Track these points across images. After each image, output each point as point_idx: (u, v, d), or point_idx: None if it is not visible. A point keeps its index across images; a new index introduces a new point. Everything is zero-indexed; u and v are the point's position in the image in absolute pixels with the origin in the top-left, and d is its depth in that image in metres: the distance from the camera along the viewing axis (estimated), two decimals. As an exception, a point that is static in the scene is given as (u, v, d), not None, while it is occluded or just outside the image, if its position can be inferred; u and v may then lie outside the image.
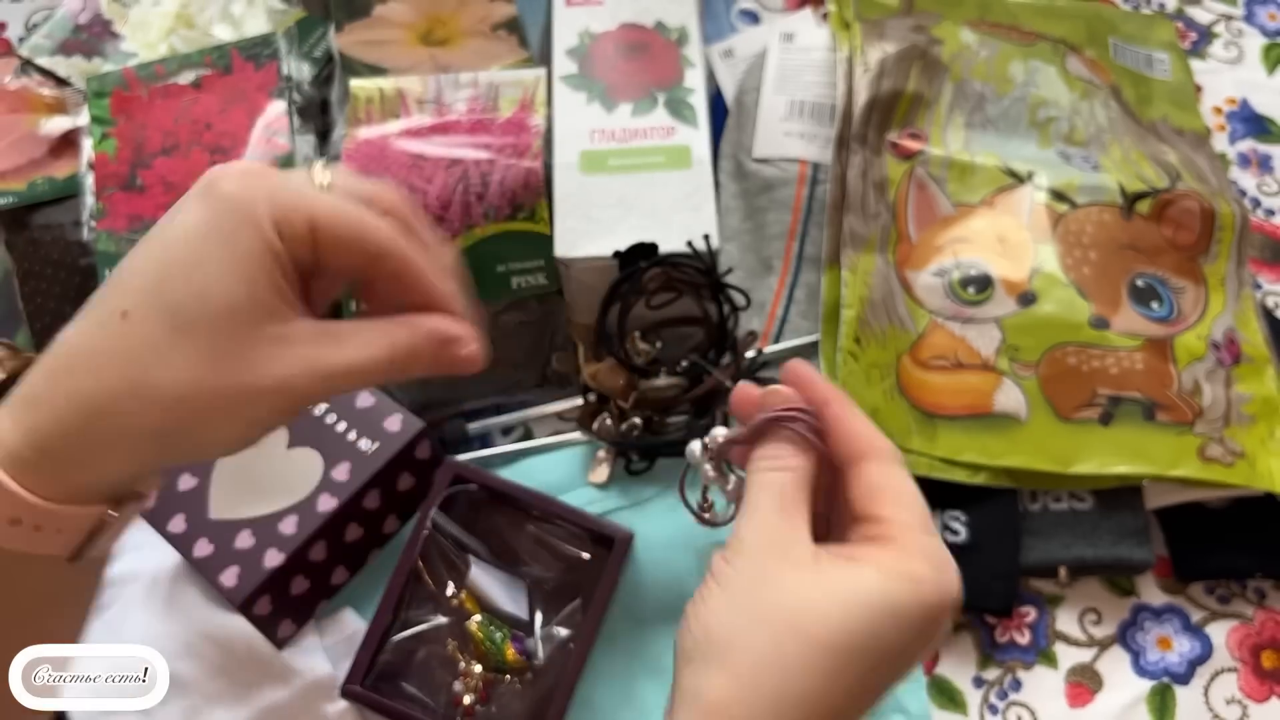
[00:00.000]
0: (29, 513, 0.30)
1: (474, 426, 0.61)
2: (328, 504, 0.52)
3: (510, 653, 0.51)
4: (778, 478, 0.34)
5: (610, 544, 0.52)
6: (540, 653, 0.52)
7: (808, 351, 0.61)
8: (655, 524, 0.55)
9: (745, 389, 0.37)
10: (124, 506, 0.32)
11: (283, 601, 0.52)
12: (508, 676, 0.52)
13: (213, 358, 0.30)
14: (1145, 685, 0.57)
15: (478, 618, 0.52)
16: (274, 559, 0.51)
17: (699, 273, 0.56)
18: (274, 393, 0.31)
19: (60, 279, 0.62)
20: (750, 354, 0.59)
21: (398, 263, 0.33)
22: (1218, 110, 0.75)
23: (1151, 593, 0.59)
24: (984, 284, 0.60)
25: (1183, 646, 0.58)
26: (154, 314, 0.30)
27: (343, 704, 0.53)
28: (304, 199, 0.31)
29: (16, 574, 0.31)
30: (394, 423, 0.54)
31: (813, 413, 0.35)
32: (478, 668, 0.52)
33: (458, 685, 0.52)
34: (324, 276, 0.34)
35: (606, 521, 0.53)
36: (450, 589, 0.52)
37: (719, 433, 0.37)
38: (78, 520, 0.31)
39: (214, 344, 0.30)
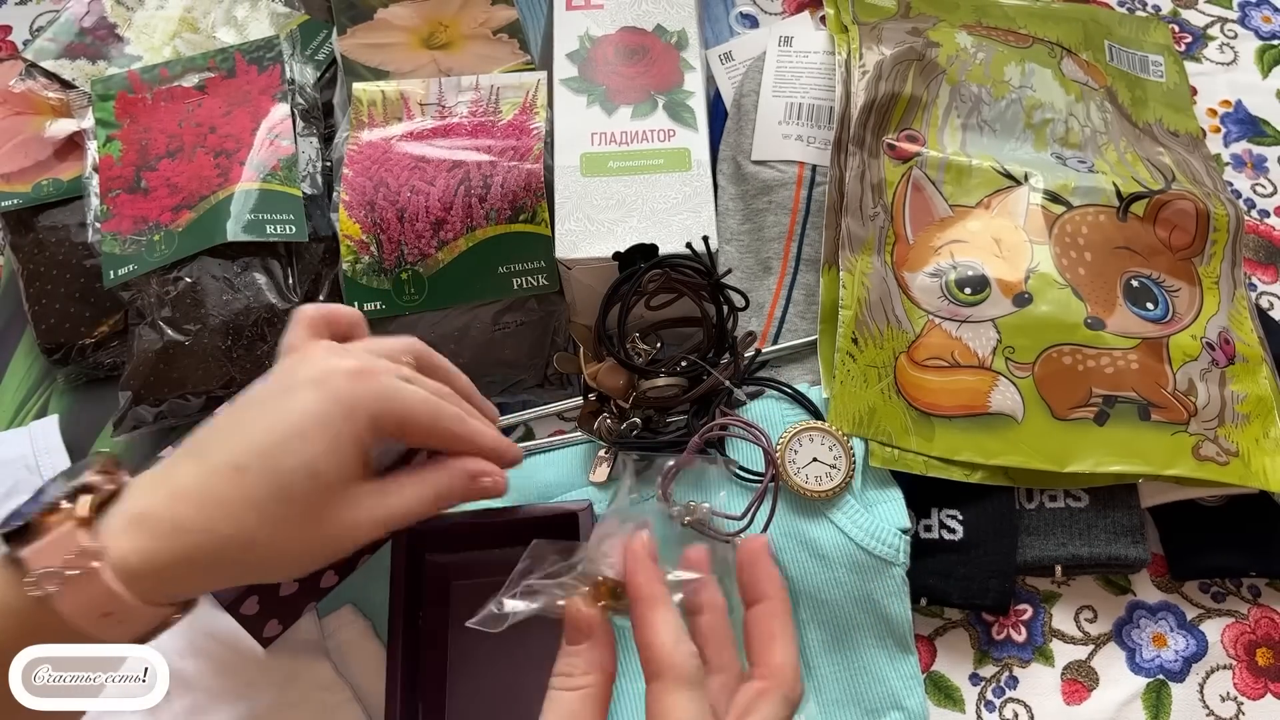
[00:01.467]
0: (121, 610, 0.36)
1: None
2: None
3: None
4: (566, 697, 0.36)
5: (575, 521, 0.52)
6: None
7: (806, 351, 0.62)
8: (655, 523, 0.56)
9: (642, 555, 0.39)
10: (187, 609, 0.39)
11: (270, 602, 0.52)
12: None
13: (304, 518, 0.38)
14: (1141, 682, 0.57)
15: None
16: None
17: (698, 274, 0.56)
18: (341, 539, 0.39)
19: (65, 280, 0.63)
20: (749, 354, 0.59)
21: (459, 441, 0.42)
22: (1212, 112, 0.75)
23: (1147, 590, 0.60)
24: (980, 285, 0.61)
25: (1178, 644, 0.58)
26: (266, 476, 0.37)
27: (344, 698, 0.54)
28: (397, 402, 0.40)
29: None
30: None
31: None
32: None
33: None
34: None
35: (557, 505, 0.53)
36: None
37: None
38: (151, 618, 0.37)
39: (307, 507, 0.38)
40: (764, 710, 0.35)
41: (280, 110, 0.64)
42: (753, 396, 0.59)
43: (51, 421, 0.62)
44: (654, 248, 0.56)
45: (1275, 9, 0.80)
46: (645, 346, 0.57)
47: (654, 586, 0.37)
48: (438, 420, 0.41)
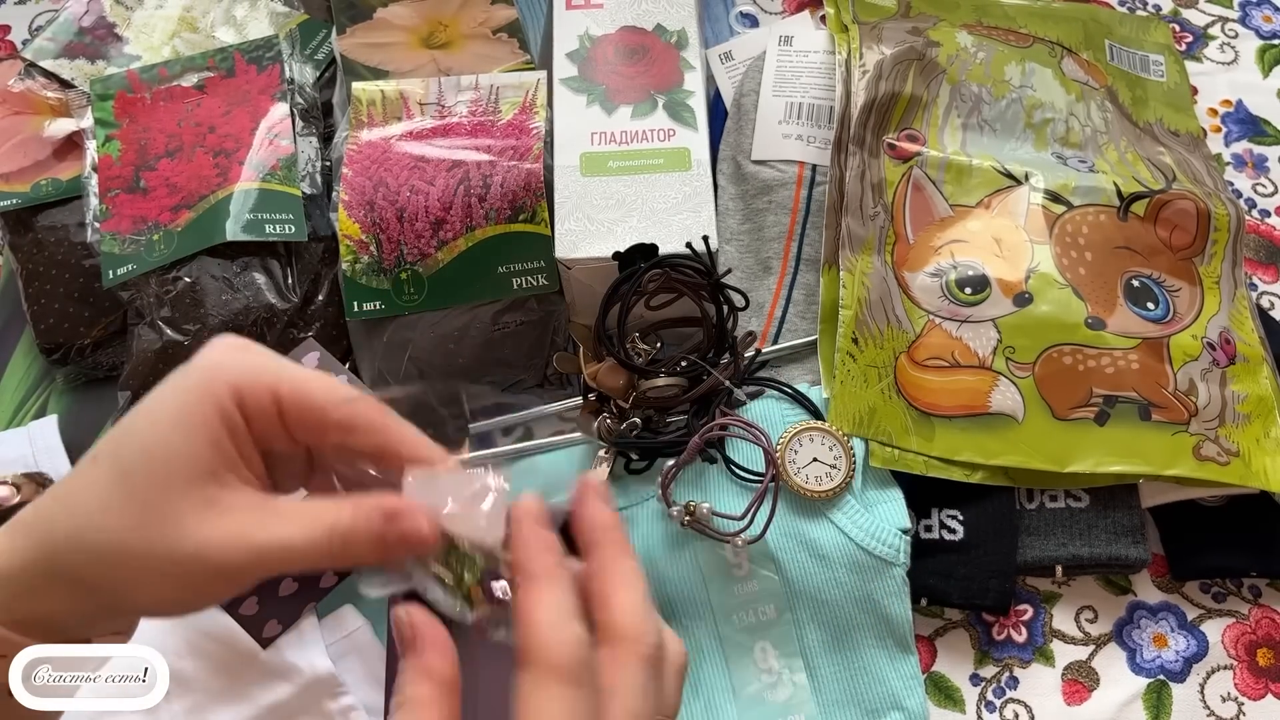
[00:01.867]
0: None
1: (474, 426, 0.61)
2: None
3: None
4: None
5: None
6: None
7: (806, 351, 0.62)
8: (655, 523, 0.56)
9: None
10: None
11: (270, 602, 0.52)
12: None
13: (143, 512, 0.29)
14: (1141, 683, 0.57)
15: None
16: None
17: (698, 274, 0.56)
18: (198, 559, 0.29)
19: (64, 280, 0.63)
20: (749, 354, 0.59)
21: (375, 436, 0.32)
22: (1213, 112, 0.75)
23: (1147, 591, 0.60)
24: (980, 284, 0.61)
25: (1178, 644, 0.58)
26: (108, 461, 0.30)
27: (345, 700, 0.54)
28: (268, 371, 0.31)
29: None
30: None
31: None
32: None
33: None
34: (300, 457, 0.34)
35: (557, 505, 0.53)
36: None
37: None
38: (18, 649, 0.31)
39: (148, 497, 0.29)
40: (617, 681, 0.28)
41: (279, 110, 0.64)
42: (753, 396, 0.59)
43: (50, 422, 0.62)
44: (654, 248, 0.56)
45: (1276, 8, 0.80)
46: (645, 346, 0.57)
47: (541, 559, 0.30)
48: (327, 391, 0.31)
